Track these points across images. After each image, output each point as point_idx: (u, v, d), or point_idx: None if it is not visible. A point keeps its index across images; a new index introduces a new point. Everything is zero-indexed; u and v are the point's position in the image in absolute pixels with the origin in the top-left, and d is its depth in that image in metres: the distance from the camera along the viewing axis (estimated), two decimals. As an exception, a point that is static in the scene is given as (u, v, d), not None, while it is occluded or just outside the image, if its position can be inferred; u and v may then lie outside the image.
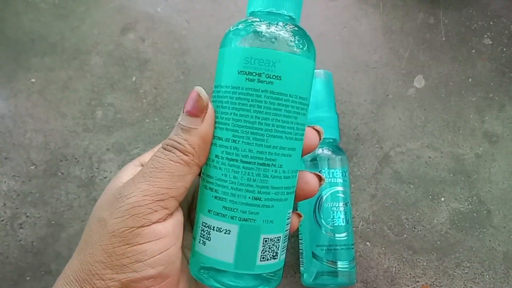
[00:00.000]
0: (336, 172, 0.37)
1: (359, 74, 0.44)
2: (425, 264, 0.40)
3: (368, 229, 0.41)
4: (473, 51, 0.45)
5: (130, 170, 0.27)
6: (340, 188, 0.37)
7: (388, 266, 0.40)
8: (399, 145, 0.43)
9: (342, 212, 0.36)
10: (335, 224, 0.36)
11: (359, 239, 0.40)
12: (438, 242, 0.41)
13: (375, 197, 0.41)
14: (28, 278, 0.39)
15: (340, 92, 0.44)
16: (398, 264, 0.40)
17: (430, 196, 0.42)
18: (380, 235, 0.41)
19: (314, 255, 0.36)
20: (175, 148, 0.24)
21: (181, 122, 0.24)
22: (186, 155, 0.23)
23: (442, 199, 0.42)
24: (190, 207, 0.30)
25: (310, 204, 0.37)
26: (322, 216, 0.36)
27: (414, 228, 0.41)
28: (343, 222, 0.36)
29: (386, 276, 0.40)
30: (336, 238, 0.36)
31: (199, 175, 0.26)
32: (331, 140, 0.38)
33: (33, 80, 0.43)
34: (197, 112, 0.24)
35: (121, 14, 0.44)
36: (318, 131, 0.27)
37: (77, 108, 0.42)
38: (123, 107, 0.42)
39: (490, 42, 0.46)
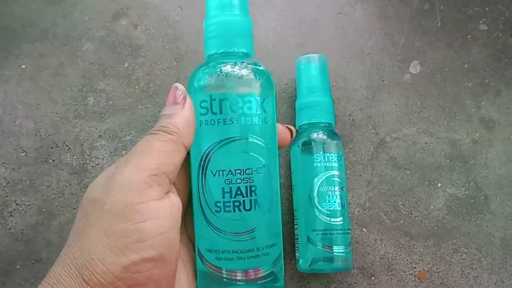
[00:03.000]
0: (332, 156, 0.36)
1: (354, 60, 0.44)
2: (422, 250, 0.40)
3: (365, 215, 0.40)
4: (469, 37, 0.45)
5: None
6: (335, 172, 0.36)
7: (384, 252, 0.39)
8: (395, 130, 0.42)
9: (338, 196, 0.36)
10: (330, 208, 0.35)
11: (355, 225, 0.40)
12: (435, 228, 0.40)
13: (371, 183, 0.41)
14: (18, 266, 0.38)
15: (335, 78, 0.43)
16: (394, 250, 0.40)
17: (427, 182, 0.41)
18: (377, 221, 0.40)
19: (309, 240, 0.35)
20: (160, 131, 0.25)
21: (164, 113, 0.26)
22: (171, 134, 0.25)
23: (439, 184, 0.41)
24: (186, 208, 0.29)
25: (305, 188, 0.36)
26: (317, 201, 0.35)
27: (411, 214, 0.40)
28: (338, 206, 0.36)
29: (383, 262, 0.39)
30: (331, 223, 0.35)
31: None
32: (327, 125, 0.38)
33: (23, 66, 0.42)
34: (178, 100, 0.26)
35: (113, 0, 0.44)
36: (290, 130, 0.30)
37: (69, 94, 0.41)
38: (115, 94, 0.42)
39: (486, 28, 0.45)
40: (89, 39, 0.43)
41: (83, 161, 0.40)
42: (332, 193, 0.36)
